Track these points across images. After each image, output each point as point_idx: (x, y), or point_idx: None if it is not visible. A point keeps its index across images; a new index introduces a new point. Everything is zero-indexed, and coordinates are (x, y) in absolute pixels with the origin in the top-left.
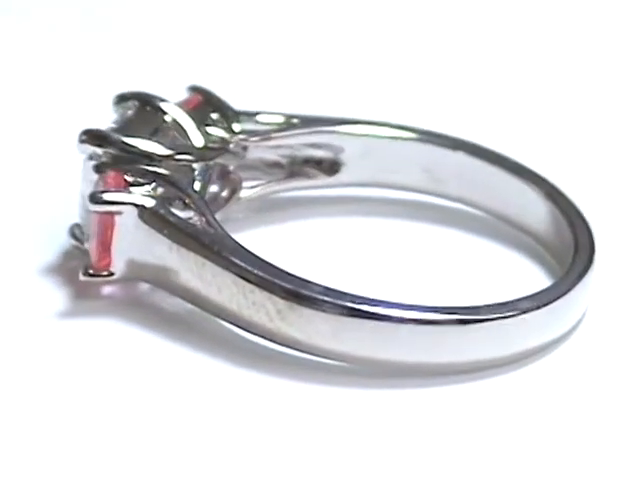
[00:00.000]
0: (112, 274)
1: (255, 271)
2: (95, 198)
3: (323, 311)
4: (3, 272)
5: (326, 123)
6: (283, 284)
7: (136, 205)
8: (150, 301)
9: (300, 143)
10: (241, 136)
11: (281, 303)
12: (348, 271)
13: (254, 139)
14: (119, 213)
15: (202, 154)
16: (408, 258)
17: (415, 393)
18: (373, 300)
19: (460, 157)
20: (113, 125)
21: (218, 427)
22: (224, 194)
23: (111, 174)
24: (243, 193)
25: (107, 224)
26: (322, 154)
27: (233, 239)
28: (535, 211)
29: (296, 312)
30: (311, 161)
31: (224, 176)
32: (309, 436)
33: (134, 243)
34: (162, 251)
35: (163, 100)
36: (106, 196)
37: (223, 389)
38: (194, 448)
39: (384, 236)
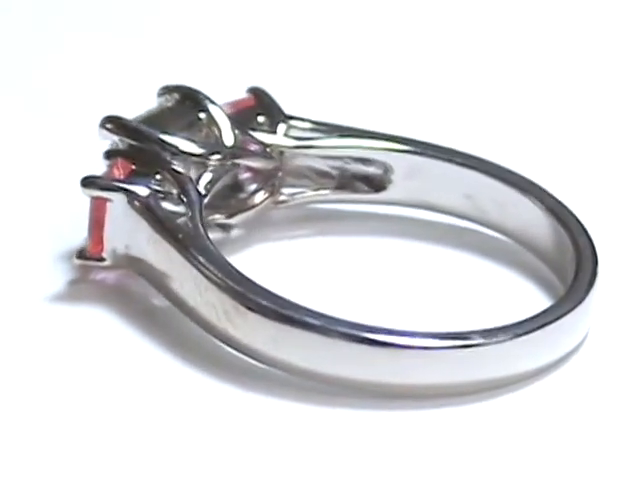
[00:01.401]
0: (103, 259)
1: (211, 269)
2: (86, 182)
3: (264, 316)
4: (16, 252)
5: (373, 138)
6: (232, 285)
7: (126, 193)
8: (137, 291)
9: (345, 156)
10: (280, 141)
11: (228, 304)
12: (361, 290)
13: (293, 145)
14: (110, 200)
15: (231, 153)
16: (409, 279)
17: (352, 412)
18: (311, 311)
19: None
20: (141, 115)
21: (152, 423)
22: (258, 196)
23: (120, 161)
24: (281, 198)
25: (100, 210)
26: (370, 170)
27: (208, 239)
28: (536, 226)
29: (241, 315)
30: (359, 175)
31: (265, 179)
32: (228, 440)
33: (123, 231)
34: (142, 241)
35: (206, 96)
36: (97, 181)
37: (170, 387)
38: (133, 445)
39: (406, 256)
